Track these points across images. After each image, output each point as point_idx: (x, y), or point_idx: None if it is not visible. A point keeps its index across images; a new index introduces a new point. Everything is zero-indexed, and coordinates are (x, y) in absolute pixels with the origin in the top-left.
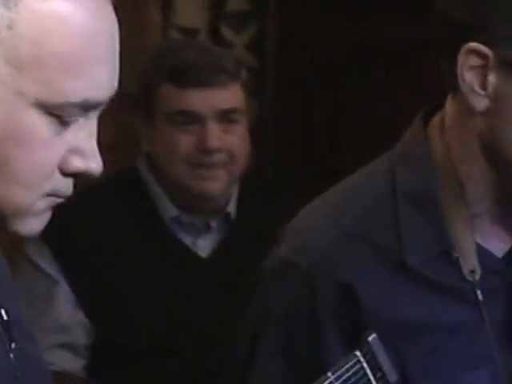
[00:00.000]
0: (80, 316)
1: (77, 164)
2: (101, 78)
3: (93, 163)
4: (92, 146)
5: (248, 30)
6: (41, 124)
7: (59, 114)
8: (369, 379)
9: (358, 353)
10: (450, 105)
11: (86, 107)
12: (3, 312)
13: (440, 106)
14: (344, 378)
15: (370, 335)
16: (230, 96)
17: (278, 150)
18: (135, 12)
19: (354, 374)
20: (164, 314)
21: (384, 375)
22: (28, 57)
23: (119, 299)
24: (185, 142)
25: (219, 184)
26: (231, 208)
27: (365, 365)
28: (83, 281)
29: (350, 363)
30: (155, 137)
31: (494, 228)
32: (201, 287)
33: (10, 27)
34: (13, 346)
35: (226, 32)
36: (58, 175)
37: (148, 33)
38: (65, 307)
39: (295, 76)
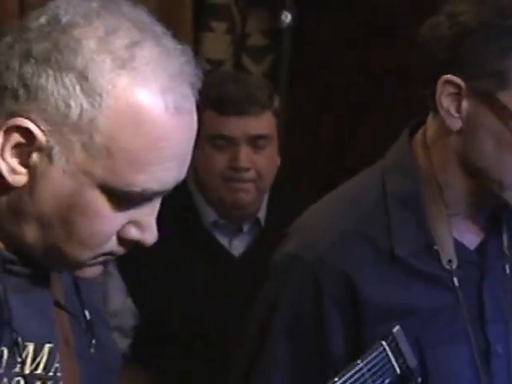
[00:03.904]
0: (129, 302)
1: (134, 234)
2: (164, 175)
3: (148, 236)
4: (150, 221)
5: (265, 61)
6: (103, 202)
7: (121, 198)
8: (392, 364)
9: (383, 342)
10: (431, 123)
11: (147, 196)
12: (87, 313)
13: (423, 122)
14: (372, 363)
15: (394, 327)
16: (262, 124)
17: (289, 157)
18: None
19: (380, 360)
20: (200, 304)
21: (405, 361)
22: (101, 147)
23: (163, 290)
24: (220, 160)
25: (248, 196)
26: (261, 214)
27: (389, 352)
28: (133, 273)
29: (377, 351)
30: (197, 154)
31: (468, 224)
32: (233, 282)
33: (91, 120)
34: (93, 341)
35: (247, 62)
36: (114, 239)
37: None
38: (116, 294)
39: (305, 100)
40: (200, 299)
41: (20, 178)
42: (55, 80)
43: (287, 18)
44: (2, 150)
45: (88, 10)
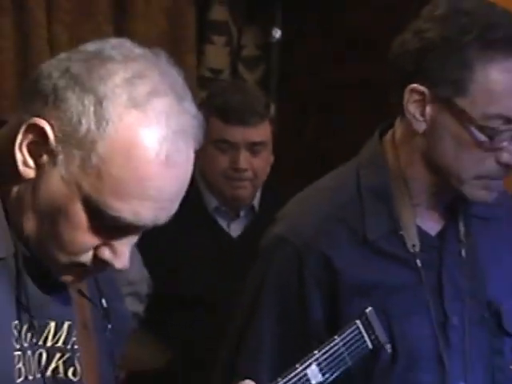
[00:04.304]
0: (145, 272)
1: (106, 256)
2: (141, 211)
3: (117, 263)
4: (123, 249)
5: (258, 69)
6: (84, 215)
7: (100, 218)
8: (365, 340)
9: (357, 321)
10: (398, 125)
11: (121, 223)
12: (104, 301)
13: (392, 125)
14: (347, 339)
15: (367, 308)
16: (260, 132)
17: (279, 157)
18: (174, 57)
19: (354, 336)
20: (203, 276)
21: (376, 337)
22: (94, 167)
23: (173, 263)
24: (223, 161)
25: (245, 192)
26: (256, 202)
27: (362, 330)
28: (149, 247)
29: (352, 329)
30: (203, 155)
31: (430, 214)
32: (232, 259)
33: (93, 141)
34: (109, 326)
35: (243, 71)
36: (91, 254)
37: (185, 72)
38: (134, 264)
39: (292, 104)
40: (203, 274)
41: (29, 171)
42: (78, 97)
43: (277, 33)
44: (21, 142)
45: (130, 52)
